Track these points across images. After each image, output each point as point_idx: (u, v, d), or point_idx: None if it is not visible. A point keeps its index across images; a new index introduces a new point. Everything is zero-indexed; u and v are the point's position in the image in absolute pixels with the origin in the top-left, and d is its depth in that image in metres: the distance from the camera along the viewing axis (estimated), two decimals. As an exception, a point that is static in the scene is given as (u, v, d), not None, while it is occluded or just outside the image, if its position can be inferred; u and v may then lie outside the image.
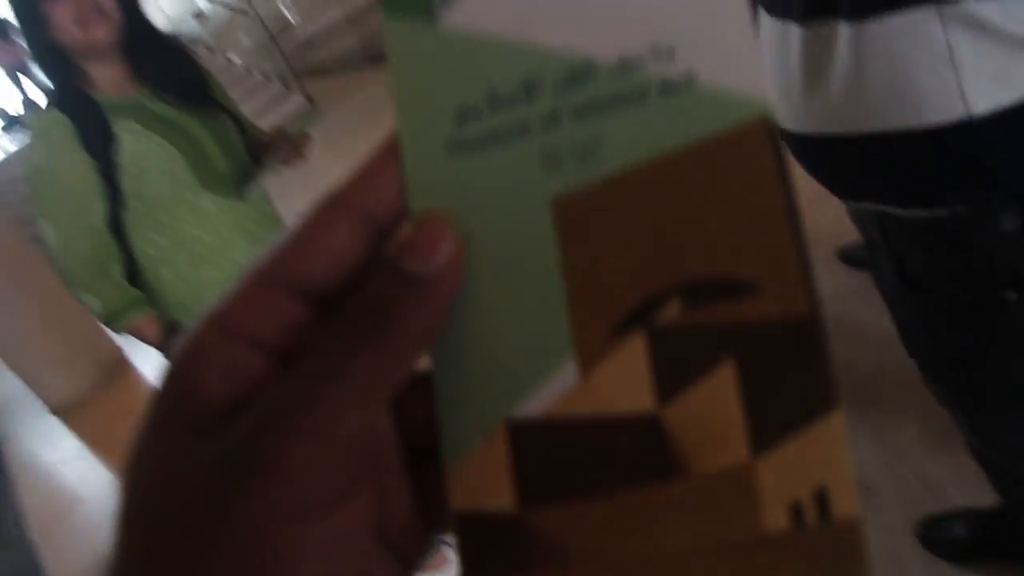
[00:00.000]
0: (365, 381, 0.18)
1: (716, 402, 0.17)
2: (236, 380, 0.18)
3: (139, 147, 1.31)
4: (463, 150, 0.20)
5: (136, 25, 1.36)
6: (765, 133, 0.17)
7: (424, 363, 0.20)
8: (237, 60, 7.10)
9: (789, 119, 0.81)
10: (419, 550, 0.21)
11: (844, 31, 0.71)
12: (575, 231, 0.19)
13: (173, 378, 0.19)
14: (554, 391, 0.19)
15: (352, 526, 0.18)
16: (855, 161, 0.78)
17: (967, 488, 1.29)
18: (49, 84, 1.34)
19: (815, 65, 0.75)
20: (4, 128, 8.68)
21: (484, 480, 0.19)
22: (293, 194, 1.88)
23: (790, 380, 0.17)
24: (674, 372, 0.18)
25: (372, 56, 5.73)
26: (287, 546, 0.17)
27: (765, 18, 0.82)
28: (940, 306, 0.83)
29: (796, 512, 0.16)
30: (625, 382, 0.18)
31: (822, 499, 0.16)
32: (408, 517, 0.21)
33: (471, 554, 0.19)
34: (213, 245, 1.40)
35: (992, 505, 1.22)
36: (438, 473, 0.20)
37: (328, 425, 0.17)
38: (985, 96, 0.66)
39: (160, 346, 1.36)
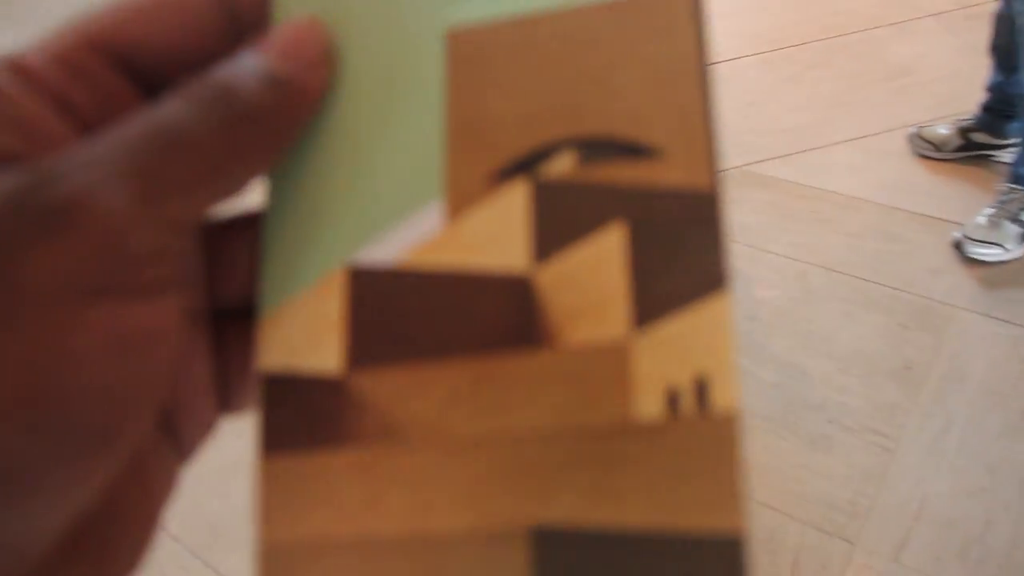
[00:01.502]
0: (198, 173, 0.15)
1: (599, 268, 0.16)
2: (27, 135, 0.14)
3: None
4: None
5: None
6: (690, 2, 0.17)
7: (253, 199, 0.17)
8: None
9: None
10: (199, 437, 0.18)
11: None
12: (467, 66, 0.17)
13: None
14: (411, 237, 0.17)
15: (156, 327, 0.14)
16: None
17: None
18: None
19: None
20: None
21: (307, 334, 0.17)
22: None
23: (682, 253, 0.16)
24: (556, 230, 0.16)
25: None
26: (72, 327, 0.13)
27: None
28: None
29: (672, 399, 0.15)
30: (497, 234, 0.16)
31: (702, 387, 0.15)
32: (202, 391, 0.17)
33: (278, 425, 0.16)
34: None
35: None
36: (248, 337, 0.17)
37: (146, 200, 0.14)
38: None
39: None
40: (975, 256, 1.51)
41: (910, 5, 2.30)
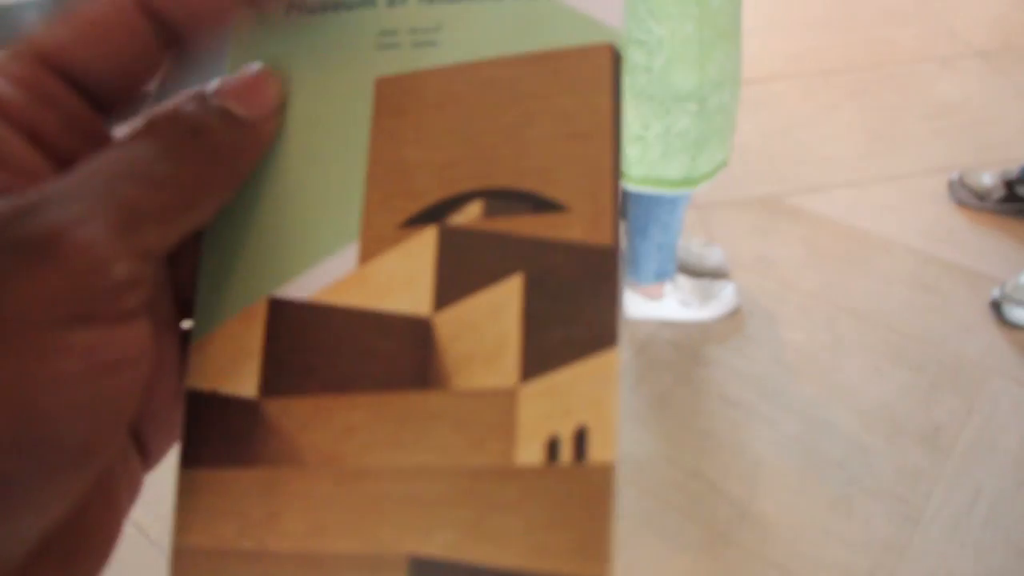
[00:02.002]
0: (171, 206, 0.16)
1: (495, 317, 0.17)
2: (5, 165, 0.16)
3: None
4: (303, 9, 0.19)
5: None
6: (609, 61, 0.17)
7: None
8: None
9: None
10: (165, 445, 0.19)
11: None
12: (390, 115, 0.18)
13: None
14: (328, 276, 0.18)
15: (132, 349, 0.15)
16: None
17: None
18: None
19: None
20: None
21: (230, 359, 0.18)
22: None
23: (576, 308, 0.16)
24: (458, 277, 0.17)
25: None
26: (55, 352, 0.14)
27: None
28: None
29: (552, 448, 0.16)
30: (404, 279, 0.17)
31: (581, 438, 0.16)
32: (168, 401, 0.19)
33: (196, 441, 0.18)
34: None
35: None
36: None
37: (122, 231, 0.15)
38: None
39: None
40: (1013, 320, 1.45)
41: (957, 40, 2.22)
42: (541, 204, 0.17)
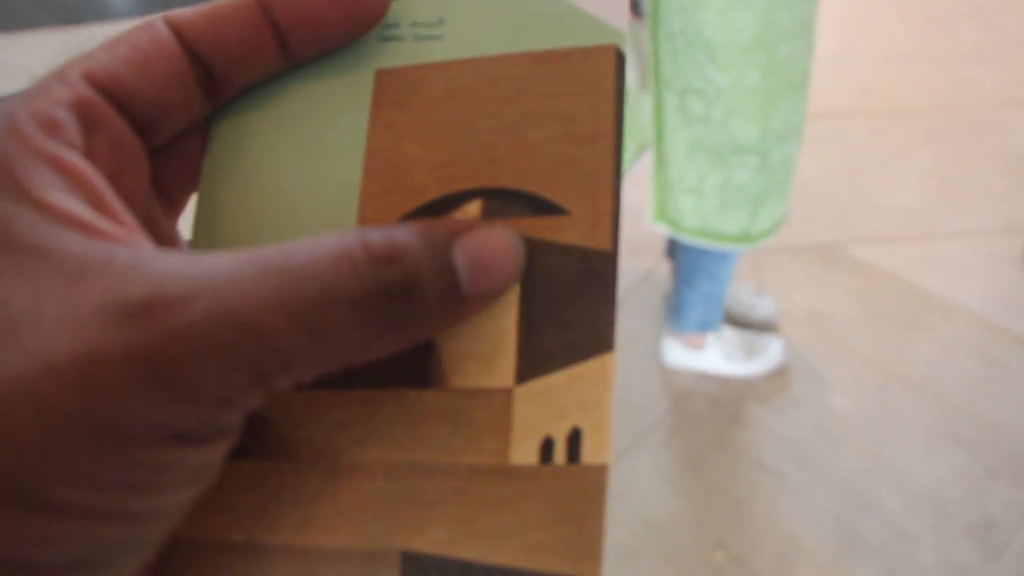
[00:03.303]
0: (328, 359, 0.15)
1: (493, 318, 0.17)
2: (90, 199, 0.15)
3: None
4: None
5: None
6: (613, 63, 0.17)
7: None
8: None
9: None
10: None
11: None
12: (389, 108, 0.18)
13: None
14: None
15: (216, 462, 0.15)
16: None
17: None
18: None
19: None
20: None
21: None
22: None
23: (573, 312, 0.16)
24: None
25: None
26: (158, 468, 0.14)
27: None
28: None
29: (546, 449, 0.16)
30: None
31: (574, 441, 0.16)
32: None
33: None
34: None
35: None
36: None
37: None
38: None
39: None
40: (1086, 407, 1.34)
41: (1048, 87, 2.08)
42: (540, 206, 0.17)
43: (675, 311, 1.39)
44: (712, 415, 1.38)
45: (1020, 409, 1.36)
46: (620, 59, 0.17)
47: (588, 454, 0.16)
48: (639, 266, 1.65)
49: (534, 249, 0.17)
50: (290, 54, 0.18)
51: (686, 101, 1.03)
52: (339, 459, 0.17)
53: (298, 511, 0.17)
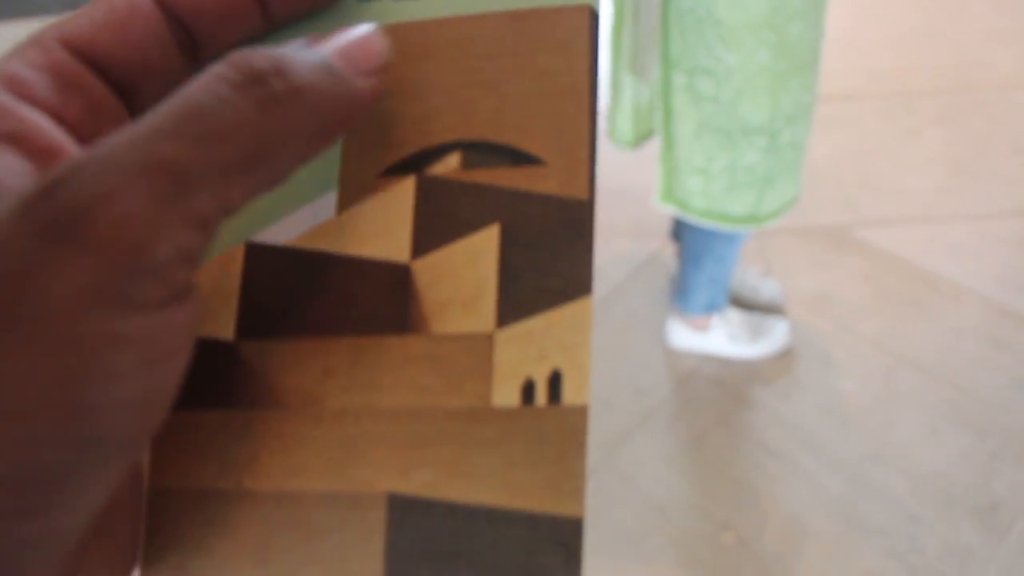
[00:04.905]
0: (232, 161, 0.14)
1: (473, 264, 0.17)
2: (35, 151, 0.15)
3: None
4: None
5: None
6: (587, 22, 0.17)
7: None
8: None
9: None
10: None
11: None
12: None
13: None
14: (306, 222, 0.18)
15: (182, 333, 0.14)
16: None
17: None
18: None
19: None
20: None
21: (208, 303, 0.18)
22: None
23: (552, 257, 0.17)
24: (436, 226, 0.17)
25: None
26: (102, 342, 0.12)
27: None
28: None
29: (527, 390, 0.16)
30: (382, 226, 0.18)
31: (555, 383, 0.16)
32: None
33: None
34: None
35: None
36: None
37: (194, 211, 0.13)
38: None
39: None
40: (1094, 391, 1.33)
41: (1059, 69, 2.06)
42: (519, 157, 0.17)
43: (680, 293, 1.38)
44: (717, 397, 1.38)
45: (1027, 392, 1.36)
46: (594, 18, 0.18)
47: (568, 395, 0.16)
48: (644, 248, 1.64)
49: (513, 199, 0.17)
50: (270, 15, 0.18)
51: (695, 81, 1.02)
52: (325, 405, 0.17)
53: (286, 458, 0.17)
